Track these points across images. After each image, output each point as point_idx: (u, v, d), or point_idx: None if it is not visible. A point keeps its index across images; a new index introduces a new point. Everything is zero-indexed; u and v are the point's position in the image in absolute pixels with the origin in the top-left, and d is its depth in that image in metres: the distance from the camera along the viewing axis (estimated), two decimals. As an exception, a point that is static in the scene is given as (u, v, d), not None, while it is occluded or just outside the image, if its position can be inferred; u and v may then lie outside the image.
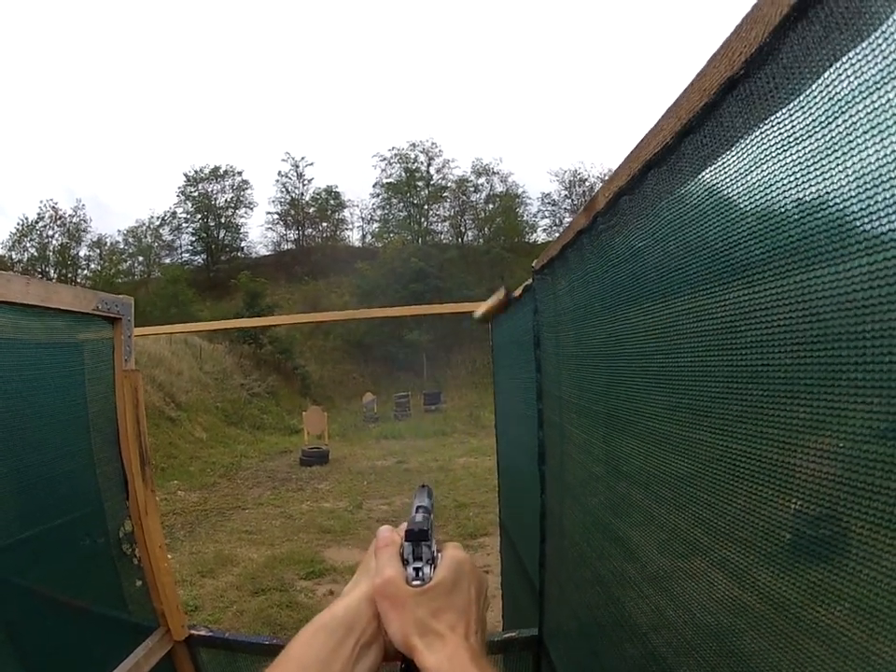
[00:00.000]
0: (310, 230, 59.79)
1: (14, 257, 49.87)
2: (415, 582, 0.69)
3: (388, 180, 58.52)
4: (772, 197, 0.64)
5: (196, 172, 57.33)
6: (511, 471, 3.22)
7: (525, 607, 2.75)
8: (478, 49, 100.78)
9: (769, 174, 0.64)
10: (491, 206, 57.36)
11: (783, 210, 0.62)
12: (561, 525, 1.82)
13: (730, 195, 0.72)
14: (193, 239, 56.98)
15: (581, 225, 1.28)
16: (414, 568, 0.71)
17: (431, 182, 58.16)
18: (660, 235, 0.92)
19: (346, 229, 60.75)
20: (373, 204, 59.68)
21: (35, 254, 51.83)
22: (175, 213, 56.94)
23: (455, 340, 38.33)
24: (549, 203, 58.35)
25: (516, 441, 2.86)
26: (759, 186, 0.66)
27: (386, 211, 59.22)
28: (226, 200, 57.95)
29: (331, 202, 59.56)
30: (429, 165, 58.24)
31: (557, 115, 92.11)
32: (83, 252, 54.56)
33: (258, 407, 27.15)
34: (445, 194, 58.18)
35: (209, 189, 57.64)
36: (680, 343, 0.89)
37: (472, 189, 58.27)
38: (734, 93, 0.69)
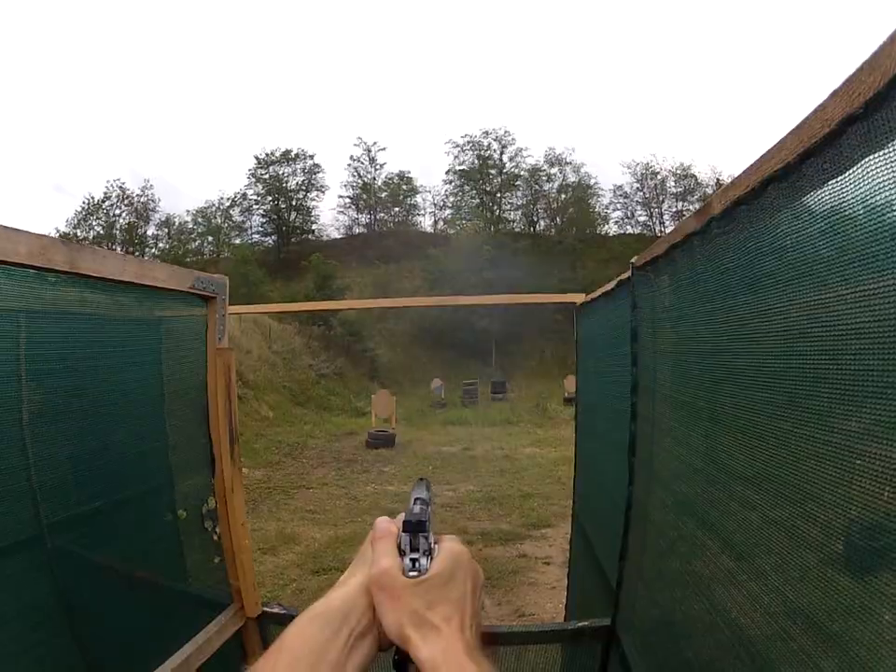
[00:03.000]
0: (382, 214, 60.59)
1: (79, 234, 51.37)
2: (412, 573, 0.69)
3: (461, 167, 58.70)
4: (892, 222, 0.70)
5: (267, 154, 58.49)
6: (592, 463, 3.23)
7: (594, 598, 2.77)
8: (551, 38, 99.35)
9: (889, 202, 0.70)
10: (563, 196, 56.88)
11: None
12: (646, 516, 1.85)
13: (851, 216, 0.78)
14: (264, 220, 58.43)
15: (691, 227, 1.33)
16: (411, 559, 0.71)
17: (504, 170, 57.97)
18: (777, 246, 0.99)
19: (418, 214, 61.52)
20: (446, 191, 60.19)
21: (101, 232, 53.38)
22: (245, 194, 58.42)
23: (525, 329, 38.17)
24: (621, 195, 57.76)
25: (601, 432, 2.87)
26: (880, 210, 0.72)
27: (459, 198, 59.55)
28: (297, 183, 59.16)
29: (403, 187, 60.19)
30: (502, 153, 58.22)
31: (629, 106, 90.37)
32: (151, 231, 56.17)
33: (325, 388, 27.65)
34: (518, 183, 58.01)
35: (280, 172, 58.72)
36: (793, 345, 0.96)
37: (545, 178, 58.02)
38: (853, 128, 0.75)
